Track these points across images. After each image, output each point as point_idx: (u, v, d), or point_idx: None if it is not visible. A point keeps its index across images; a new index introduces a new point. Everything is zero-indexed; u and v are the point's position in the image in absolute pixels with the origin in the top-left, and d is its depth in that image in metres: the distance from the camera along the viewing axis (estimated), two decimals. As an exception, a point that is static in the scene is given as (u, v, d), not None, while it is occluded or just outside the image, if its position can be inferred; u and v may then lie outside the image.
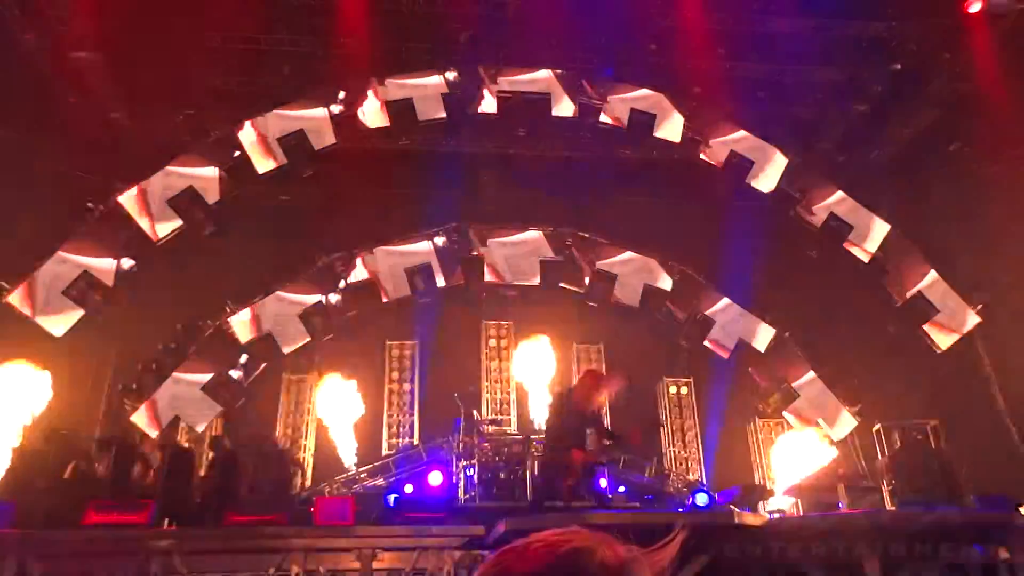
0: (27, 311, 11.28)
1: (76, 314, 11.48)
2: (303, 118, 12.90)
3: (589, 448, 7.57)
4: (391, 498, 9.75)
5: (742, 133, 13.91)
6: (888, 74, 13.68)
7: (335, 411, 13.93)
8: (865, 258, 13.68)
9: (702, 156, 14.08)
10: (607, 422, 10.11)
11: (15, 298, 11.22)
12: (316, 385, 14.41)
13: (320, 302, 13.58)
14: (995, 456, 12.34)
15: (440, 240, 14.58)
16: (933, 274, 13.39)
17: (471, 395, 13.97)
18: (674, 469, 14.82)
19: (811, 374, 13.92)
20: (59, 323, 11.40)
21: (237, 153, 12.65)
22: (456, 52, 13.33)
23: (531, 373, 14.52)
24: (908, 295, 13.37)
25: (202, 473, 10.69)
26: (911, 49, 13.22)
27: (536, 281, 14.51)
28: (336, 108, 13.06)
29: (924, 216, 14.13)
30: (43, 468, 9.30)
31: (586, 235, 14.88)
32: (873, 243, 13.62)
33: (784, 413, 14.04)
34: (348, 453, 13.93)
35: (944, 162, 14.34)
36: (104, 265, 11.91)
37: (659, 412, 15.54)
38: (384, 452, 14.39)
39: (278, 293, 13.46)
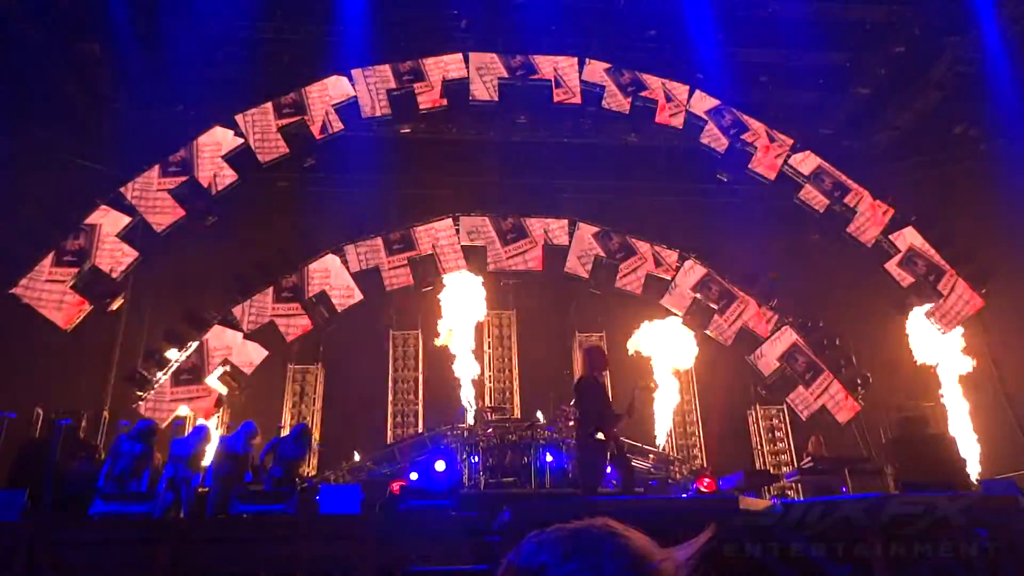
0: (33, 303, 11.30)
1: (82, 307, 11.50)
2: (302, 107, 12.89)
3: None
4: (396, 486, 9.81)
5: (744, 118, 13.88)
6: (891, 57, 13.62)
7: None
8: (868, 243, 13.64)
9: (703, 142, 14.02)
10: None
11: (21, 290, 11.24)
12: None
13: (323, 291, 13.56)
14: (997, 440, 12.38)
15: (442, 228, 14.52)
16: (937, 258, 13.35)
17: (476, 382, 14.07)
18: (676, 455, 14.84)
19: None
20: (64, 316, 11.41)
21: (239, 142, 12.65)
22: (456, 38, 13.29)
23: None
24: (911, 279, 13.33)
25: (208, 464, 10.69)
26: (914, 33, 13.14)
27: (538, 268, 14.45)
28: (336, 96, 13.04)
29: (928, 200, 14.06)
30: (49, 459, 9.35)
31: (587, 223, 14.81)
32: (876, 228, 13.58)
33: (785, 399, 14.03)
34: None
35: (949, 145, 14.30)
36: (108, 257, 11.91)
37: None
38: (389, 441, 14.44)
39: (282, 283, 13.43)
